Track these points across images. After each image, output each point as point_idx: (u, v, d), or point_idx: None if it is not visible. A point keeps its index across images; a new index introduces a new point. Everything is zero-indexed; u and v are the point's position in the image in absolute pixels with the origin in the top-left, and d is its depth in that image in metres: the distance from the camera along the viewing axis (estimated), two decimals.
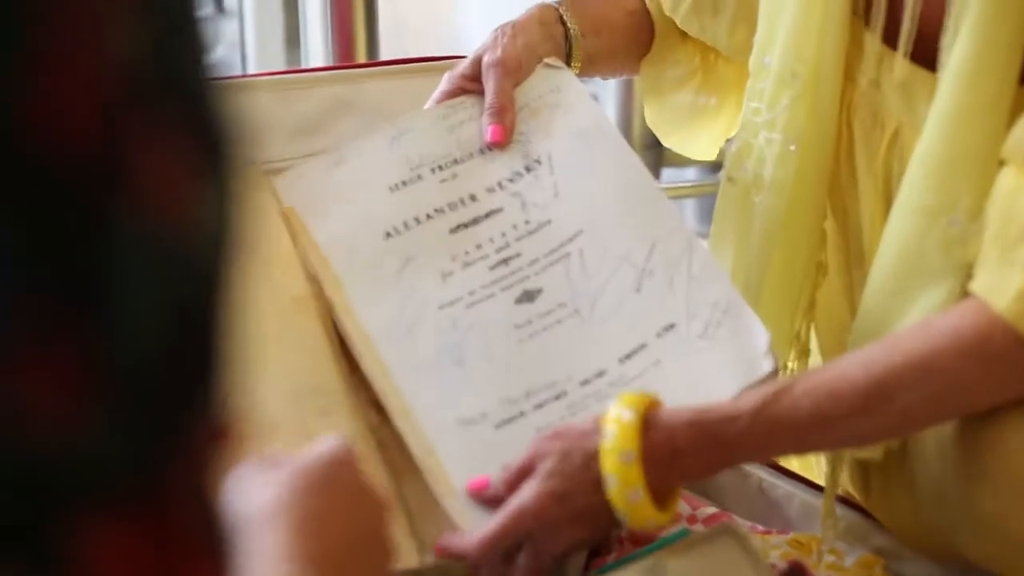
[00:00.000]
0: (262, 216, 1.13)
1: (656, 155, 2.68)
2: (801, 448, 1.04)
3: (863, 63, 1.09)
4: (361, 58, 1.94)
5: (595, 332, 1.10)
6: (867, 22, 1.09)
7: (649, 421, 0.97)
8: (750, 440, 0.97)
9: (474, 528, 1.00)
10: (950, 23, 0.99)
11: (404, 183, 1.19)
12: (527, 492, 0.97)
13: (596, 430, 0.98)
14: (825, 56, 1.09)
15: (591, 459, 0.97)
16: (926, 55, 1.04)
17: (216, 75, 0.38)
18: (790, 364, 1.21)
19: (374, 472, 1.04)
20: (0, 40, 0.33)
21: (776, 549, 1.12)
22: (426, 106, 1.25)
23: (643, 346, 1.09)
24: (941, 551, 1.08)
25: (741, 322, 1.08)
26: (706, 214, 3.06)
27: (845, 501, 1.18)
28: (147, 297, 0.35)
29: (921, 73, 1.05)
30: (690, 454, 0.97)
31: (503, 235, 1.17)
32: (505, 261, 1.15)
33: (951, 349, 0.95)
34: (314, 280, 1.14)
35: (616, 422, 0.97)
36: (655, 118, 1.38)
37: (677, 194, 2.60)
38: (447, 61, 1.30)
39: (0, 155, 0.33)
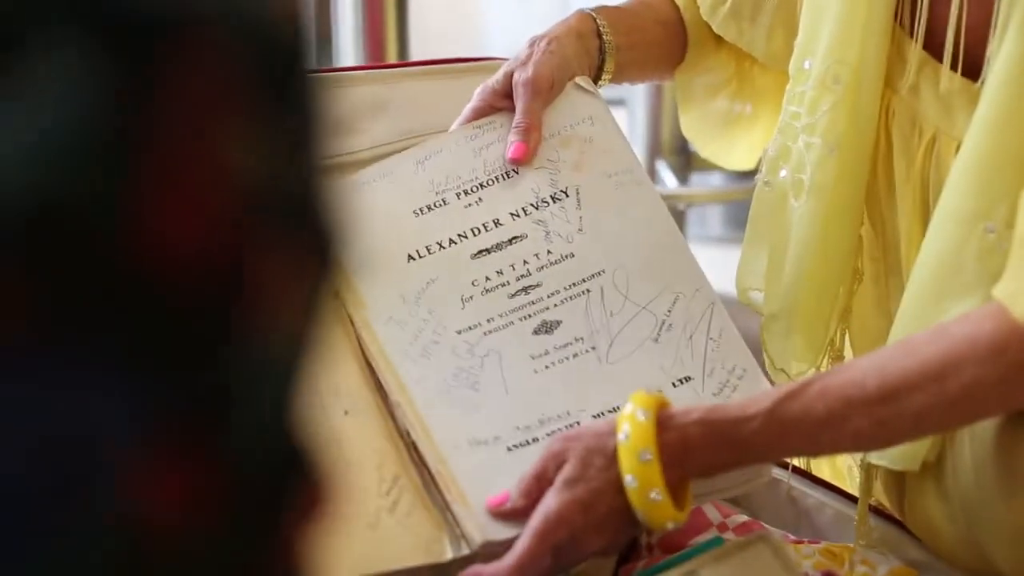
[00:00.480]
0: None
1: (684, 160, 2.67)
2: (813, 449, 1.03)
3: (903, 70, 1.08)
4: (392, 60, 1.94)
5: (610, 371, 1.10)
6: (909, 30, 1.08)
7: (662, 421, 0.97)
8: (762, 440, 0.96)
9: (482, 533, 1.00)
10: (996, 32, 0.98)
11: (429, 207, 1.20)
12: (551, 504, 0.96)
13: (611, 430, 0.97)
14: (867, 61, 1.09)
15: (611, 460, 0.96)
16: (967, 63, 1.03)
17: (327, 181, 0.39)
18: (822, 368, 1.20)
19: (402, 467, 1.05)
20: (118, 164, 0.33)
21: (808, 559, 1.11)
22: (456, 123, 1.24)
23: (658, 391, 1.08)
24: (975, 563, 1.06)
25: (757, 391, 1.07)
26: (732, 219, 3.06)
27: (878, 511, 1.17)
28: (265, 402, 0.37)
29: (961, 81, 1.04)
30: (702, 452, 0.96)
31: (525, 263, 1.16)
32: (525, 290, 1.15)
33: (967, 356, 0.93)
34: (336, 300, 1.13)
35: (631, 420, 0.96)
36: (692, 127, 1.38)
37: (706, 199, 2.59)
38: (481, 63, 1.29)
39: (121, 276, 0.33)
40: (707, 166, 2.62)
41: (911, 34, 1.08)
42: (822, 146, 1.11)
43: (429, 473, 1.06)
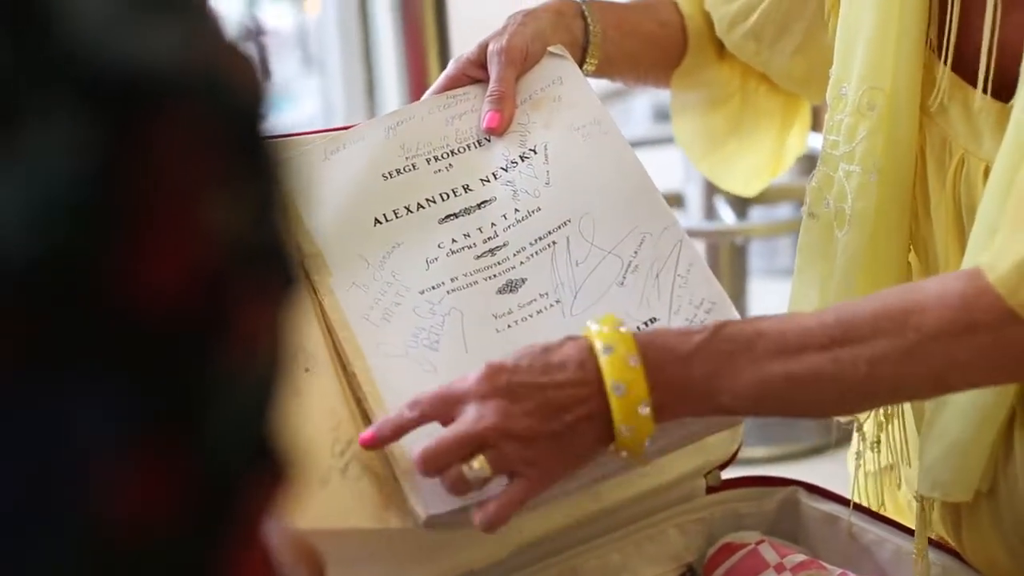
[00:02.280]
0: None
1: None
2: (760, 374, 0.94)
3: (933, 92, 1.06)
4: (432, 57, 1.94)
5: (574, 323, 1.08)
6: (939, 52, 1.06)
7: None
8: (707, 356, 0.94)
9: (426, 508, 0.98)
10: None
11: (398, 171, 1.18)
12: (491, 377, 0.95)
13: (577, 349, 0.95)
14: (900, 85, 1.07)
15: (559, 367, 0.95)
16: (995, 84, 1.01)
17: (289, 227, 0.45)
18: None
19: (356, 433, 1.04)
20: (108, 221, 0.38)
21: None
22: (429, 92, 1.24)
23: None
24: None
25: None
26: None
27: (938, 544, 1.14)
28: (236, 418, 0.42)
29: (990, 102, 1.02)
30: (657, 370, 0.94)
31: (492, 225, 1.15)
32: (491, 251, 1.13)
33: (932, 306, 0.91)
34: (301, 267, 1.13)
35: (609, 335, 0.95)
36: (685, 137, 1.36)
37: (764, 233, 2.56)
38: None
39: (110, 316, 0.38)
40: (767, 199, 2.60)
41: (940, 56, 1.06)
42: (861, 173, 1.09)
43: None
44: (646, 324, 1.07)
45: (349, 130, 1.21)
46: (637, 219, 1.12)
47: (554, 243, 1.13)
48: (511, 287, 1.11)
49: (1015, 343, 0.92)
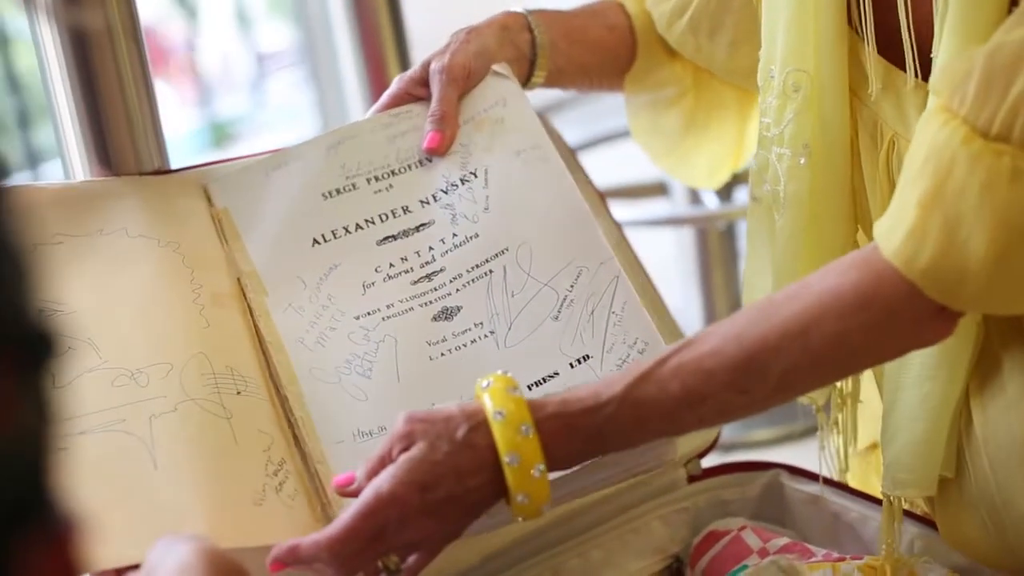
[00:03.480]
0: (188, 216, 1.14)
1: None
2: (676, 428, 0.95)
3: (862, 76, 1.05)
4: (391, 67, 1.95)
5: (507, 356, 1.07)
6: (859, 33, 1.05)
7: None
8: (618, 427, 0.91)
9: None
10: (939, 33, 0.94)
11: (338, 191, 1.17)
12: (386, 481, 0.90)
13: (463, 416, 0.92)
14: (824, 67, 1.05)
15: (458, 447, 0.90)
16: (923, 66, 1.00)
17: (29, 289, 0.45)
18: (838, 384, 1.17)
19: (288, 454, 1.04)
20: None
21: None
22: (372, 110, 1.22)
23: (555, 374, 1.06)
24: (1018, 567, 1.03)
25: None
26: None
27: (919, 518, 1.13)
28: None
29: (918, 84, 1.01)
30: (558, 446, 0.91)
31: (430, 249, 1.14)
32: (428, 276, 1.12)
33: (830, 309, 0.89)
34: (237, 283, 1.13)
35: (502, 397, 0.91)
36: (644, 138, 1.35)
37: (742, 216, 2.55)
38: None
39: None
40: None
41: (860, 35, 1.05)
42: (791, 156, 1.07)
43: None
44: (579, 361, 1.06)
45: (290, 148, 1.19)
46: (574, 251, 1.11)
47: (491, 272, 1.11)
48: (446, 314, 1.10)
49: (922, 317, 0.90)
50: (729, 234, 2.66)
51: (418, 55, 2.00)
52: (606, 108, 1.88)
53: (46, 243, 1.10)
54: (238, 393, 1.05)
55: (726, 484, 1.26)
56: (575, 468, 0.95)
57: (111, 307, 1.07)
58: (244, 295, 1.12)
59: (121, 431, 0.99)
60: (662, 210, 2.69)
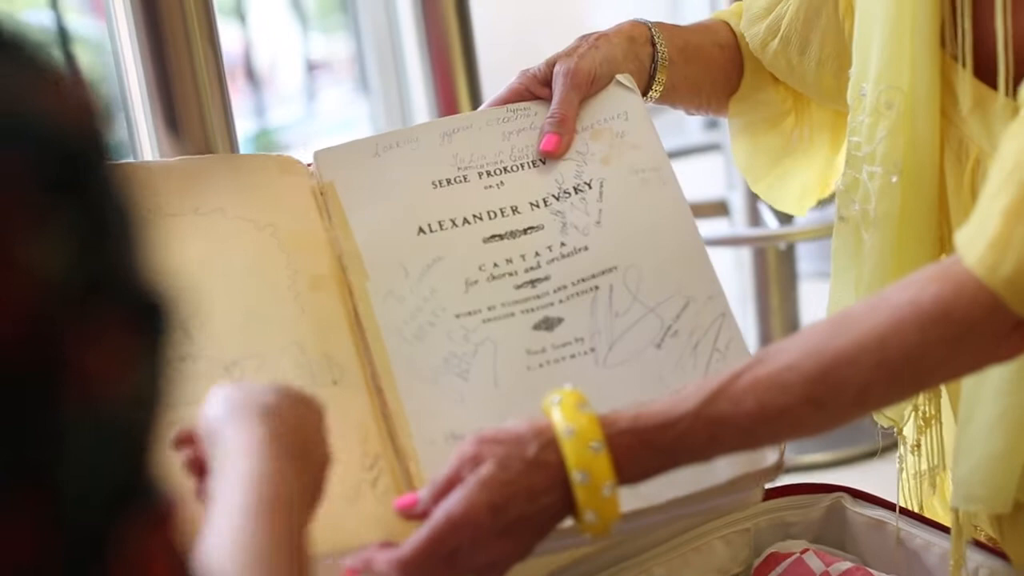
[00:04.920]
0: (287, 193, 1.12)
1: None
2: (750, 444, 0.94)
3: (958, 99, 1.04)
4: (459, 72, 1.95)
5: (606, 376, 1.05)
6: (952, 52, 1.04)
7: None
8: (691, 443, 0.90)
9: None
10: None
11: (448, 181, 1.15)
12: (457, 503, 0.88)
13: (534, 434, 0.90)
14: (918, 84, 1.05)
15: (529, 466, 0.89)
16: (1015, 84, 0.99)
17: (146, 255, 0.45)
18: (920, 405, 1.16)
19: (383, 447, 1.02)
20: None
21: None
22: (488, 103, 1.21)
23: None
24: None
25: None
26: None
27: (985, 546, 1.12)
28: (95, 459, 0.41)
29: (1007, 102, 1.00)
30: (629, 462, 0.90)
31: (536, 254, 1.12)
32: (532, 283, 1.11)
33: (909, 323, 0.87)
34: (338, 262, 1.11)
35: (572, 414, 0.90)
36: (745, 161, 1.34)
37: (811, 236, 2.54)
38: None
39: None
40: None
41: (955, 54, 1.04)
42: (883, 175, 1.07)
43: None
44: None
45: (403, 130, 1.18)
46: (683, 281, 1.09)
47: (596, 288, 1.10)
48: (547, 324, 1.09)
49: (1001, 331, 0.88)
50: (788, 255, 2.65)
51: (485, 63, 2.01)
52: (666, 126, 1.88)
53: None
54: (334, 383, 1.03)
55: (788, 506, 1.25)
56: (655, 504, 0.94)
57: (205, 295, 1.06)
58: (344, 276, 1.10)
59: None
60: (722, 229, 2.69)
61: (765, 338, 2.67)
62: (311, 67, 4.38)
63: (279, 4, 4.30)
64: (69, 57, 0.45)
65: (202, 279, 1.07)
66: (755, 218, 2.57)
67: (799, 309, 2.72)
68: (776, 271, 2.64)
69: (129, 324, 0.43)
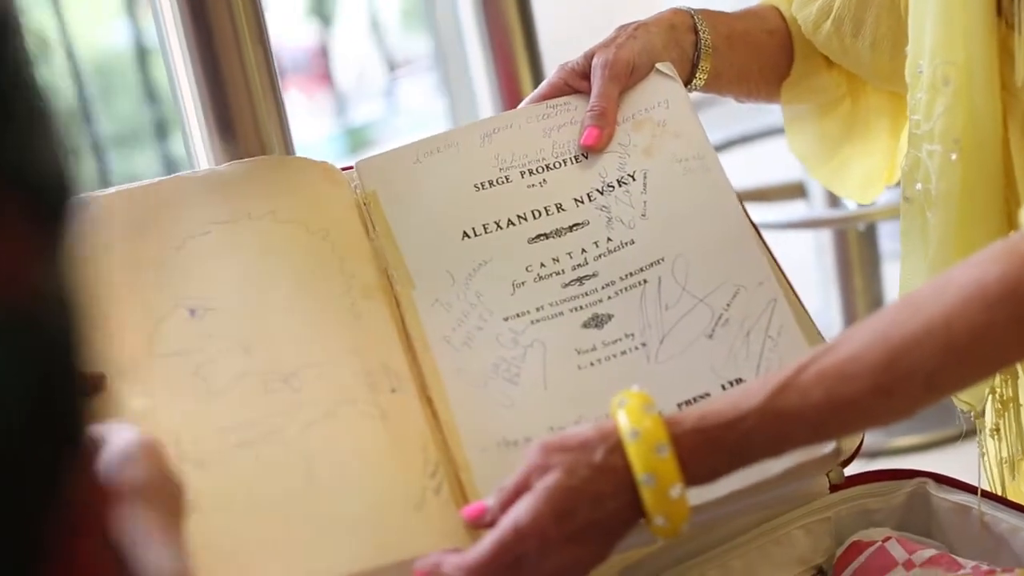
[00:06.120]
0: (334, 203, 1.11)
1: None
2: (820, 437, 0.92)
3: (1011, 66, 1.01)
4: (522, 68, 1.95)
5: (658, 371, 1.03)
6: (1009, 22, 1.01)
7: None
8: (759, 439, 0.87)
9: None
10: None
11: (490, 183, 1.14)
12: (524, 512, 0.88)
13: (600, 438, 0.89)
14: (974, 58, 1.02)
15: (597, 471, 0.88)
16: None
17: (53, 151, 0.41)
18: (997, 388, 1.13)
19: (441, 455, 1.01)
20: None
21: None
22: (527, 100, 1.19)
23: (706, 395, 1.02)
24: None
25: None
26: None
27: None
28: (6, 371, 0.38)
29: None
30: (697, 462, 0.88)
31: (583, 251, 1.10)
32: (580, 280, 1.09)
33: (975, 304, 0.84)
34: (384, 273, 1.10)
35: (637, 416, 0.88)
36: (801, 148, 1.31)
37: (890, 216, 2.50)
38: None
39: None
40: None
41: (1014, 27, 1.01)
42: (942, 153, 1.04)
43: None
44: (731, 383, 1.03)
45: (443, 134, 1.17)
46: (732, 269, 1.08)
47: (645, 281, 1.08)
48: (597, 322, 1.07)
49: None
50: (869, 235, 2.61)
51: (548, 57, 1.99)
52: (744, 109, 1.86)
53: (194, 236, 1.09)
54: (392, 391, 1.03)
55: (870, 493, 1.22)
56: (715, 498, 0.92)
57: (261, 302, 1.05)
58: (390, 286, 1.09)
59: (276, 444, 0.97)
60: (800, 212, 2.65)
61: (850, 321, 2.64)
62: (392, 65, 4.41)
63: (360, 4, 4.32)
64: None
65: (258, 286, 1.06)
66: (834, 199, 2.54)
67: (884, 290, 2.68)
68: (858, 252, 2.60)
69: (24, 215, 0.39)
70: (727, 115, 2.52)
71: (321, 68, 4.24)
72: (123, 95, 3.72)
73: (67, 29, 3.40)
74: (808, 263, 2.65)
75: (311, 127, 4.12)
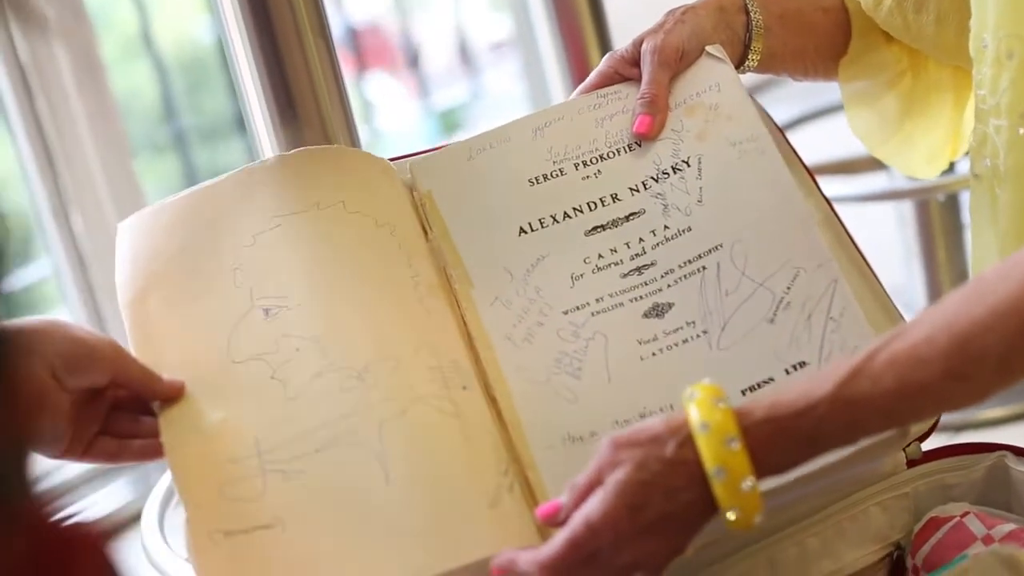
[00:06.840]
0: (396, 200, 1.11)
1: None
2: (893, 423, 0.90)
3: None
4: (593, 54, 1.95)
5: (721, 358, 1.03)
6: None
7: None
8: (831, 427, 0.86)
9: None
10: None
11: (545, 177, 1.14)
12: (596, 507, 0.88)
13: (671, 432, 0.89)
14: None
15: (668, 465, 0.87)
16: None
17: None
18: None
19: (512, 454, 1.01)
20: None
21: None
22: (578, 91, 1.19)
23: (770, 380, 1.02)
24: None
25: None
26: None
27: None
28: None
29: None
30: (769, 452, 0.87)
31: (640, 240, 1.10)
32: (639, 270, 1.09)
33: None
34: (443, 273, 1.11)
35: (707, 409, 0.88)
36: (861, 127, 1.30)
37: (960, 186, 2.47)
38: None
39: None
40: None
41: None
42: (1009, 127, 1.03)
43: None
44: (795, 367, 1.03)
45: (495, 130, 1.17)
46: (791, 251, 1.07)
47: (704, 268, 1.08)
48: (657, 311, 1.07)
49: None
50: (951, 205, 2.58)
51: (618, 38, 1.99)
52: (821, 83, 1.85)
53: (263, 231, 1.10)
54: (464, 388, 1.03)
55: (948, 468, 1.21)
56: (783, 484, 0.92)
57: (332, 294, 1.05)
58: (450, 285, 1.10)
59: (354, 445, 0.98)
60: (881, 184, 2.62)
61: (934, 293, 2.61)
62: (478, 50, 4.42)
63: None
64: None
65: (329, 278, 1.07)
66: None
67: (968, 261, 2.65)
68: (940, 224, 2.57)
69: None
70: (805, 88, 2.51)
71: (407, 51, 4.26)
72: (209, 90, 3.77)
73: (151, 27, 3.45)
74: (890, 236, 2.62)
75: (399, 112, 4.15)
